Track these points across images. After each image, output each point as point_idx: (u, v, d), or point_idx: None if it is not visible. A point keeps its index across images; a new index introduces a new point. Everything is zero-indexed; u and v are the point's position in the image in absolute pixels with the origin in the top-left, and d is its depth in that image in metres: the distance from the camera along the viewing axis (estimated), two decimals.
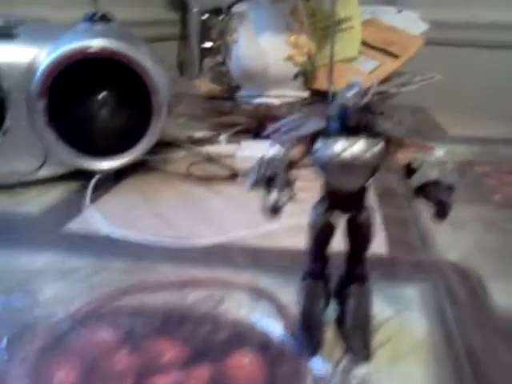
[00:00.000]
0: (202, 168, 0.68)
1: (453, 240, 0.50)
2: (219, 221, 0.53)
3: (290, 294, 0.38)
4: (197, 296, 0.40)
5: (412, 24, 1.01)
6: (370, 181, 0.32)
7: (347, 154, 0.30)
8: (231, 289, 0.41)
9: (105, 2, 1.20)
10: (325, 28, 1.00)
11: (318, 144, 0.31)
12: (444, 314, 0.38)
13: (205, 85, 0.94)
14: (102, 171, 0.64)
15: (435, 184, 0.31)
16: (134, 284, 0.41)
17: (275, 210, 0.30)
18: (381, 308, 0.38)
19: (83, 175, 0.64)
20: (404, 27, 1.00)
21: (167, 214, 0.56)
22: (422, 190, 0.32)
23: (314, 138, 0.32)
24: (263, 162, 0.31)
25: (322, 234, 0.34)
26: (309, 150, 0.31)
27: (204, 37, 1.21)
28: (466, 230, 0.52)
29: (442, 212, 0.30)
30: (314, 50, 0.89)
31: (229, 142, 0.78)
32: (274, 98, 0.84)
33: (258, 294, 0.40)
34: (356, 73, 0.90)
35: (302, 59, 0.85)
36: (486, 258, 0.47)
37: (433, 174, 0.32)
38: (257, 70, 0.81)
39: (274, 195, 0.30)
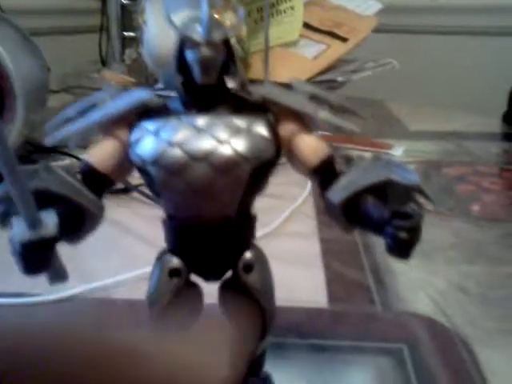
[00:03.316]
0: None
1: (421, 277, 0.34)
2: (80, 264, 0.36)
3: None
4: None
5: (363, 3, 0.87)
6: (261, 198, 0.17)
7: (198, 152, 0.15)
8: None
9: None
10: (261, 9, 0.85)
11: (136, 133, 0.15)
12: None
13: (115, 77, 0.77)
14: None
15: (381, 190, 0.16)
16: None
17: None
18: None
19: None
20: (354, 7, 0.85)
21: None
22: (356, 207, 0.16)
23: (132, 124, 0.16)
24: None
25: (166, 314, 0.17)
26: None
27: (126, 25, 1.05)
28: (438, 260, 0.36)
29: (403, 243, 0.15)
30: (245, 33, 0.73)
31: None
32: None
33: None
34: (297, 58, 0.75)
35: None
36: (471, 304, 0.32)
37: (373, 174, 0.16)
38: (170, 56, 0.64)
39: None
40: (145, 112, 0.17)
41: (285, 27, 0.81)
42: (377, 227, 0.15)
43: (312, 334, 0.28)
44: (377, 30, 0.84)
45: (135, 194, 0.45)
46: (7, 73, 0.45)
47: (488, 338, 0.28)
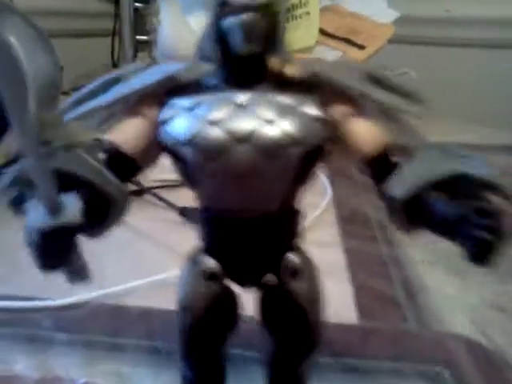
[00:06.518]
0: None
1: (457, 295, 0.32)
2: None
3: None
4: None
5: (380, 12, 0.85)
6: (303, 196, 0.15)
7: (240, 132, 0.13)
8: None
9: None
10: None
11: (167, 111, 0.13)
12: None
13: None
14: None
15: (448, 185, 0.13)
16: None
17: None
18: None
19: None
20: (370, 15, 0.84)
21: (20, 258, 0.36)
22: (421, 204, 0.14)
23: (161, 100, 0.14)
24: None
25: (202, 320, 0.15)
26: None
27: (138, 29, 1.03)
28: (474, 278, 0.34)
29: (487, 246, 0.13)
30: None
31: None
32: None
33: None
34: None
35: None
36: (509, 322, 0.29)
37: (441, 166, 0.14)
38: (185, 57, 0.62)
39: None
40: (176, 89, 0.14)
41: (301, 33, 0.80)
42: (450, 227, 0.13)
43: (345, 352, 0.26)
44: (392, 41, 0.83)
45: (148, 197, 0.43)
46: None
47: None
